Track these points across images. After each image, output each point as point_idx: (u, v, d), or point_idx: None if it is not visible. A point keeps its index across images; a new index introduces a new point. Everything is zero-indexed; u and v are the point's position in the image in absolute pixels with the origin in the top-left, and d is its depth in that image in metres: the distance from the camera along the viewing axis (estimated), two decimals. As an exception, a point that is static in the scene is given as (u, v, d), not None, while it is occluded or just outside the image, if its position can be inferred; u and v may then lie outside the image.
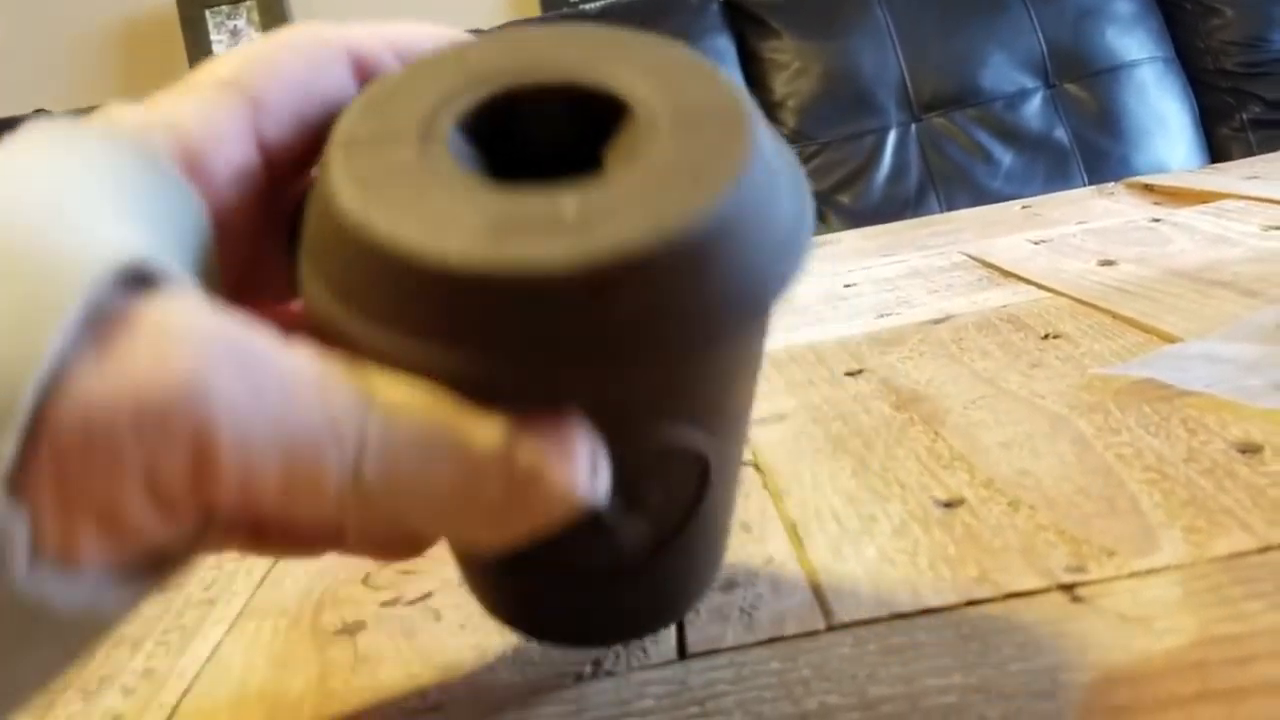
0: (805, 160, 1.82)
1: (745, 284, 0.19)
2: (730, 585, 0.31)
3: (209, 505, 0.18)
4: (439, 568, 0.36)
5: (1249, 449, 0.34)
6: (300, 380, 0.18)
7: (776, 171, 0.20)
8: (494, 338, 0.18)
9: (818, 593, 0.30)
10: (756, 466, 0.40)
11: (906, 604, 0.29)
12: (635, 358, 0.18)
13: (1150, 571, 0.28)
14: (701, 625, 0.29)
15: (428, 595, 0.34)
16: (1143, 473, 0.34)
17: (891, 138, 1.83)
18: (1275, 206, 0.69)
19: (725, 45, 1.85)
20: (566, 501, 0.19)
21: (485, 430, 0.19)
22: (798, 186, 0.21)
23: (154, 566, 0.20)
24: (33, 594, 0.17)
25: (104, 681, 0.32)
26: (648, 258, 0.18)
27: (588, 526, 0.20)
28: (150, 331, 0.17)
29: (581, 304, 0.17)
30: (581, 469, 0.19)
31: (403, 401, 0.18)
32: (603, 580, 0.26)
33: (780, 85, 1.84)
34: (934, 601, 0.29)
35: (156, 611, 0.37)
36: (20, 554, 0.16)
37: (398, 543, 0.22)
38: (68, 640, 0.19)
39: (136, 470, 0.17)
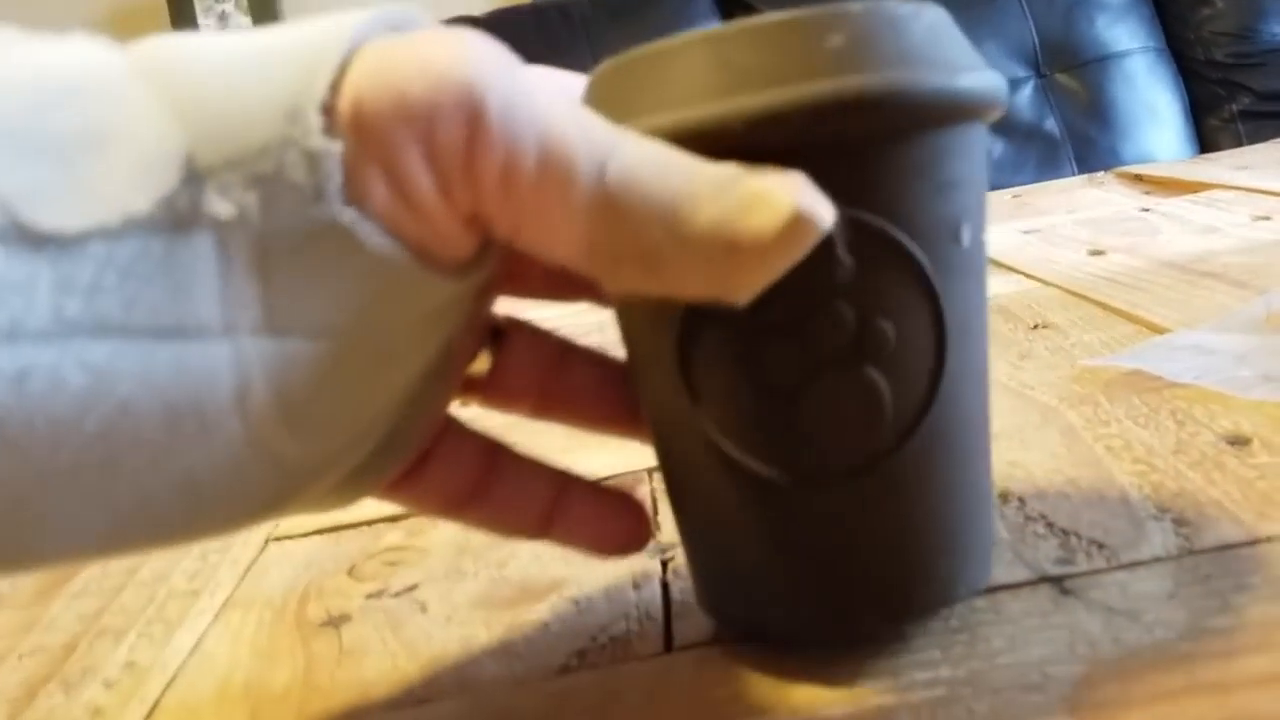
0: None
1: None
2: (718, 577, 0.31)
3: (477, 197, 0.20)
4: (425, 560, 0.36)
5: (1238, 441, 0.34)
6: (554, 94, 0.20)
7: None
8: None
9: (806, 585, 0.30)
10: (745, 457, 0.40)
11: (895, 596, 0.29)
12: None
13: (1139, 564, 0.28)
14: (689, 616, 0.29)
15: (413, 587, 0.34)
16: (1132, 464, 0.34)
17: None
18: (1264, 197, 0.69)
19: (716, 33, 1.84)
20: (792, 219, 0.19)
21: (716, 164, 0.21)
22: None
23: (448, 269, 0.22)
24: (344, 220, 0.19)
25: (86, 673, 0.32)
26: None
27: (838, 374, 0.23)
28: (432, 32, 0.20)
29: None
30: (806, 193, 0.20)
31: (647, 139, 0.21)
32: (847, 481, 0.24)
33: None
34: (922, 594, 0.28)
35: (139, 602, 0.36)
36: (335, 177, 0.19)
37: (634, 261, 0.21)
38: (367, 290, 0.21)
39: (419, 132, 0.19)
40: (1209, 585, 0.27)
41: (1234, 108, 1.93)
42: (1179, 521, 0.30)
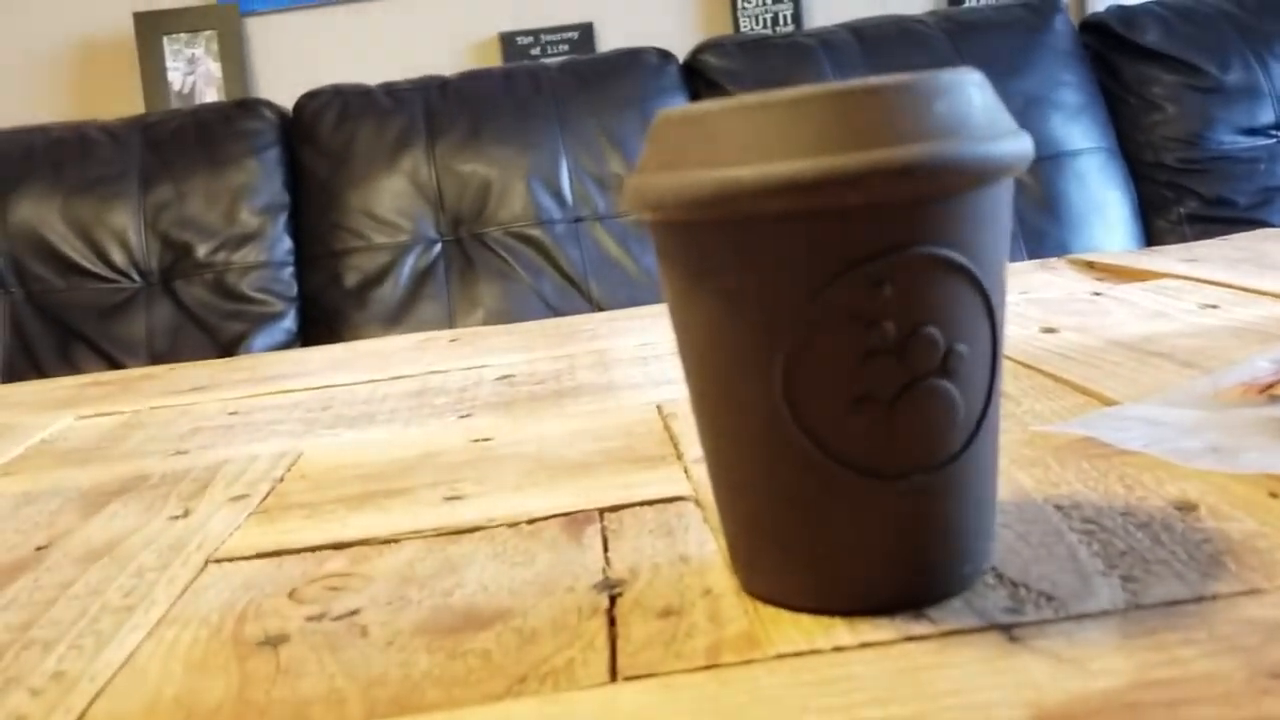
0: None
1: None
2: (667, 613, 0.31)
3: None
4: (369, 586, 0.35)
5: (1185, 506, 0.35)
6: None
7: None
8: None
9: (756, 624, 0.30)
10: (697, 502, 0.40)
11: (845, 638, 0.28)
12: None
13: (1086, 616, 0.28)
14: (634, 651, 0.29)
15: (355, 612, 0.33)
16: (1081, 524, 0.34)
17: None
18: (1211, 287, 0.70)
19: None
20: None
21: None
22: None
23: None
24: None
25: (10, 683, 0.31)
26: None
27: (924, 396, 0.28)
28: None
29: None
30: None
31: None
32: (922, 479, 0.29)
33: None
34: (872, 637, 0.28)
35: (71, 615, 0.35)
36: None
37: None
38: None
39: None
40: (1155, 638, 0.27)
41: (1182, 210, 1.98)
42: (1126, 578, 0.30)
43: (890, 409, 0.28)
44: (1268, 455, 0.37)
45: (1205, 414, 0.43)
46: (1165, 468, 0.38)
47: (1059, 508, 0.36)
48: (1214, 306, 0.64)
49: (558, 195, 1.83)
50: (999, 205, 0.29)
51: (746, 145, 0.27)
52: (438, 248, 1.81)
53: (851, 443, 0.28)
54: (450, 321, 1.76)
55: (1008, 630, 0.28)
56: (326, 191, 1.80)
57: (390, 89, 1.87)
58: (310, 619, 0.33)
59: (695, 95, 1.90)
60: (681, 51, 1.96)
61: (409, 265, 1.80)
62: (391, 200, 1.80)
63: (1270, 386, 0.42)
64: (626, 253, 1.81)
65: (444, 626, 0.32)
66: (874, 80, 0.27)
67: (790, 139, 0.27)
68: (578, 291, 1.80)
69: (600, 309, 1.74)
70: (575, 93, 1.86)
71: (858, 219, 0.27)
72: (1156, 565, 0.31)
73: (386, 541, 0.39)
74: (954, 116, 0.27)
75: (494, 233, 1.81)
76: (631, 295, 1.77)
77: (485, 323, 1.75)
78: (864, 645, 0.28)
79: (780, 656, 0.28)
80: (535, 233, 1.81)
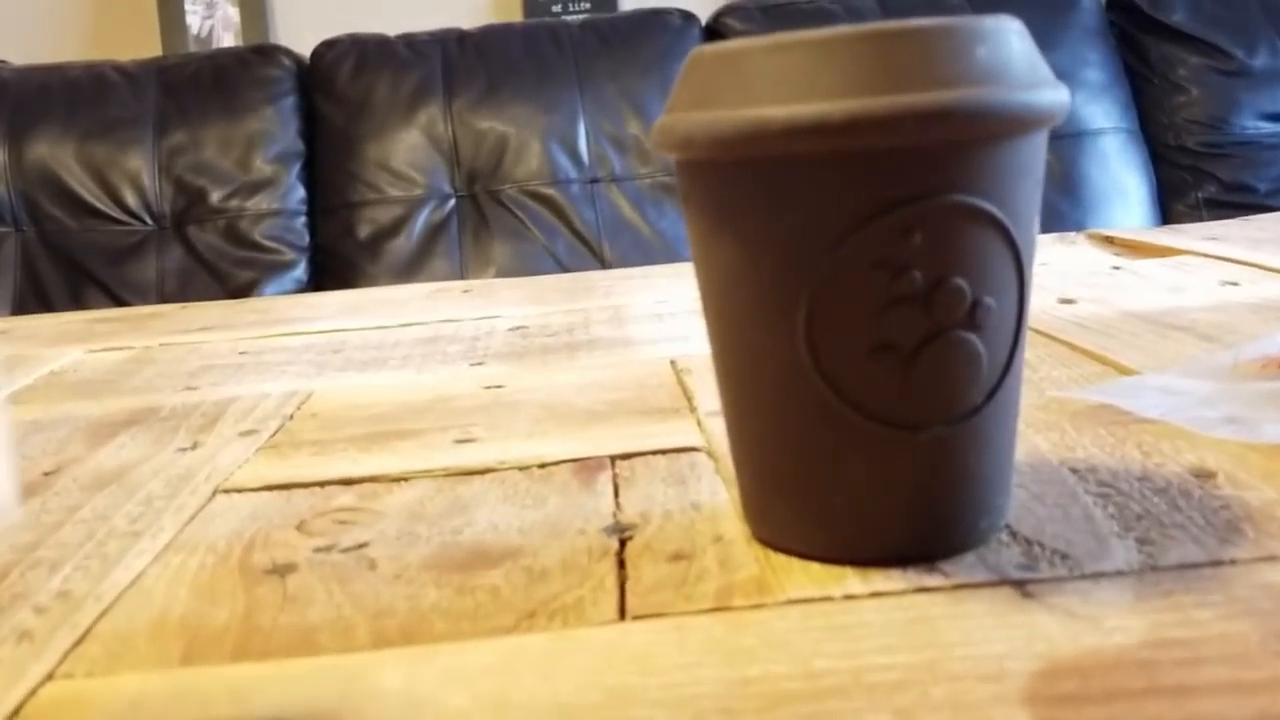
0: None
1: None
2: (677, 557, 0.31)
3: None
4: (378, 521, 0.35)
5: (1203, 474, 0.34)
6: None
7: None
8: None
9: (767, 570, 0.30)
10: (709, 453, 0.40)
11: (856, 587, 0.28)
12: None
13: (1101, 575, 0.28)
14: (644, 592, 0.29)
15: (363, 545, 0.33)
16: (1097, 487, 0.34)
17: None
18: (1232, 265, 0.70)
19: (702, 70, 1.85)
20: None
21: None
22: None
23: None
24: None
25: (16, 599, 0.31)
26: None
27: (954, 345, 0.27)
28: None
29: None
30: None
31: None
32: (943, 430, 0.28)
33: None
34: (883, 586, 0.28)
35: (78, 538, 0.35)
36: None
37: None
38: None
39: None
40: (1170, 600, 0.27)
41: (1200, 195, 1.97)
42: (1142, 540, 0.30)
43: (912, 359, 0.28)
44: (1288, 427, 0.37)
45: (1224, 386, 0.42)
46: (1183, 436, 0.38)
47: (1075, 471, 0.35)
48: (1234, 284, 0.64)
49: (574, 155, 1.82)
50: (1034, 157, 0.28)
51: (779, 84, 0.26)
52: (451, 203, 1.81)
53: (871, 392, 0.28)
54: (462, 277, 1.76)
55: (1021, 586, 0.28)
56: (342, 142, 1.80)
57: (409, 40, 1.85)
58: (318, 550, 0.33)
59: (716, 59, 1.88)
60: (704, 13, 1.94)
61: (422, 219, 1.79)
62: (407, 153, 1.80)
63: (1292, 360, 0.42)
64: (641, 215, 1.81)
65: (453, 562, 0.32)
66: (913, 22, 0.26)
67: (824, 79, 0.26)
68: (590, 252, 1.79)
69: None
70: (595, 52, 1.84)
71: (889, 163, 0.26)
72: (1173, 529, 0.30)
73: (396, 480, 0.39)
74: (994, 63, 0.27)
75: (509, 190, 1.81)
76: (645, 258, 1.76)
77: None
78: (875, 594, 0.28)
79: (791, 602, 0.28)
80: (550, 192, 1.80)
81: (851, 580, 0.29)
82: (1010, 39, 0.27)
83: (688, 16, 1.89)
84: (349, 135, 1.79)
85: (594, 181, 1.83)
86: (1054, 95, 0.27)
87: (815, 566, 0.29)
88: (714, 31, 1.90)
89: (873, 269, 0.27)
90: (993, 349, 0.28)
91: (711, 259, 0.29)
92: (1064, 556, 0.29)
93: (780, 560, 0.30)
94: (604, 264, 1.78)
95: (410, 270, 1.77)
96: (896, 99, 0.26)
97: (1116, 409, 0.41)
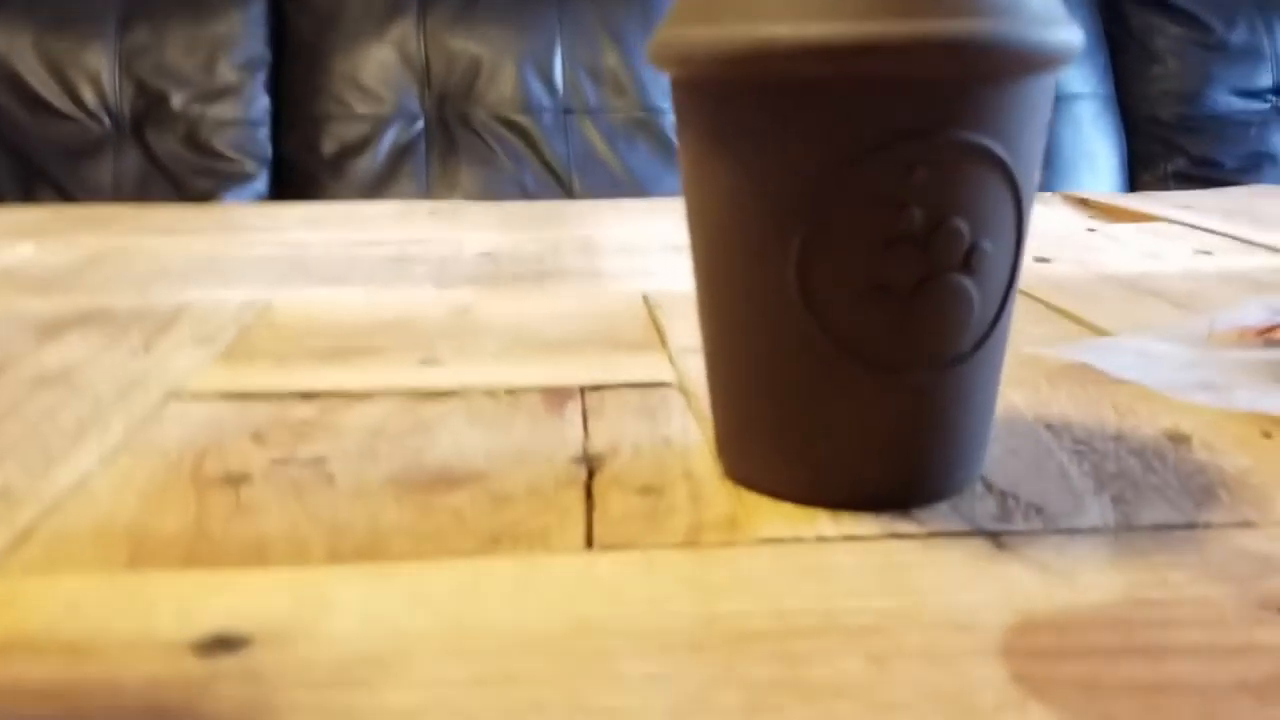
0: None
1: None
2: (647, 490, 0.30)
3: None
4: (337, 437, 0.34)
5: (1178, 438, 0.34)
6: None
7: None
8: None
9: (739, 508, 0.29)
10: (681, 389, 0.39)
11: (829, 529, 0.28)
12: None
13: (1076, 530, 0.28)
14: (611, 523, 0.28)
15: (322, 459, 0.32)
16: (1072, 444, 0.33)
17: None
18: (1206, 234, 0.70)
19: None
20: None
21: None
22: None
23: None
24: None
25: (-45, 494, 0.30)
26: None
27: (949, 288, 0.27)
28: None
29: None
30: None
31: None
32: (932, 375, 0.28)
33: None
34: (856, 530, 0.28)
35: (18, 434, 0.34)
36: None
37: None
38: None
39: None
40: (1146, 559, 0.26)
41: (1169, 167, 1.98)
42: (1117, 499, 0.29)
43: (907, 300, 0.27)
44: (1263, 395, 0.37)
45: (1199, 352, 0.42)
46: (1158, 399, 0.38)
47: (1049, 427, 0.35)
48: (1208, 253, 0.63)
49: (549, 83, 1.79)
50: (1044, 99, 0.27)
51: (787, 2, 0.25)
52: (420, 124, 1.77)
53: (861, 331, 0.27)
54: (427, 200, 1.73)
55: (995, 537, 0.27)
56: (310, 53, 1.75)
57: (385, -47, 1.80)
58: (275, 462, 0.32)
59: (697, -5, 1.85)
60: (688, -51, 1.90)
61: (389, 139, 1.76)
62: (377, 69, 1.76)
63: (1268, 331, 0.41)
64: (613, 150, 1.78)
65: (414, 482, 0.31)
66: None
67: (834, 1, 0.25)
68: (560, 185, 1.77)
69: (579, 204, 1.72)
70: (576, -22, 1.81)
71: (897, 94, 0.25)
72: (1148, 490, 0.30)
73: (358, 396, 0.38)
74: None
75: (479, 115, 1.78)
76: (615, 194, 1.74)
77: (461, 206, 1.72)
78: (848, 538, 0.27)
79: (762, 541, 0.27)
80: (522, 120, 1.77)
81: (824, 522, 0.28)
82: None
83: (672, -50, 1.86)
84: (318, 46, 1.75)
85: (567, 112, 1.80)
86: (1070, 34, 0.26)
87: (788, 507, 0.29)
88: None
89: (872, 204, 0.26)
90: (985, 296, 0.28)
91: (704, 183, 0.28)
92: (1038, 510, 0.29)
93: (752, 499, 0.29)
94: (573, 197, 1.76)
95: (374, 189, 1.74)
96: (912, 25, 0.24)
97: (1092, 368, 0.41)
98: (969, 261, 0.27)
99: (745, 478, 0.30)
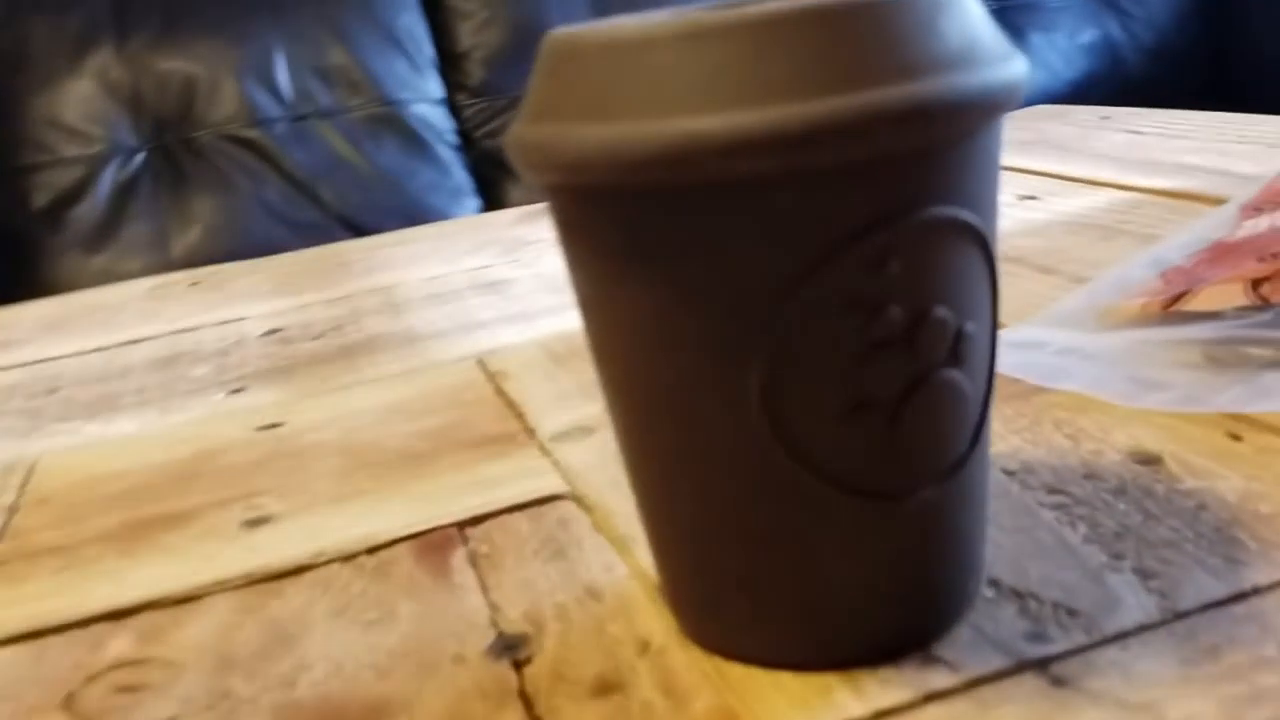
0: (494, 116, 1.73)
1: None
2: (603, 687, 0.24)
3: None
4: (177, 679, 0.26)
5: (1147, 460, 0.30)
6: None
7: None
8: None
9: (727, 693, 0.23)
10: (577, 500, 0.32)
11: (853, 706, 0.22)
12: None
13: (1125, 635, 0.23)
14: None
15: (167, 727, 0.24)
16: (1047, 495, 0.29)
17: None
18: (1017, 175, 0.68)
19: (405, -12, 1.72)
20: None
21: None
22: None
23: None
24: None
25: None
26: None
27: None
28: None
29: None
30: None
31: None
32: (929, 491, 0.22)
33: (466, 35, 1.73)
34: (884, 700, 0.22)
35: None
36: None
37: None
38: None
39: None
40: (1222, 662, 0.22)
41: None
42: (1142, 573, 0.25)
43: (895, 413, 0.21)
44: (1209, 390, 0.33)
45: (1107, 337, 0.38)
46: (1096, 405, 0.34)
47: (1009, 472, 0.31)
48: (1033, 198, 0.61)
49: (274, 92, 1.66)
50: (999, 144, 0.22)
51: (706, 86, 0.19)
52: (140, 157, 1.62)
53: (847, 459, 0.22)
54: (163, 241, 1.58)
55: (1044, 668, 0.23)
56: (0, 100, 1.57)
57: (63, -23, 1.63)
58: (103, 749, 0.24)
59: (422, -20, 1.75)
60: (397, -72, 1.79)
61: (108, 179, 1.60)
62: (79, 105, 1.59)
63: (1172, 302, 0.38)
64: (358, 151, 1.67)
65: (301, 740, 0.23)
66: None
67: (767, 77, 0.19)
68: (307, 198, 1.65)
69: (335, 216, 1.61)
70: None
71: (858, 179, 0.20)
72: (1165, 550, 0.26)
73: (182, 601, 0.30)
74: (963, 37, 0.21)
75: (204, 137, 1.63)
76: (368, 199, 1.64)
77: (204, 240, 1.58)
78: (879, 714, 0.22)
79: None
80: (252, 134, 1.64)
81: (841, 694, 0.22)
82: (967, 1, 0.21)
83: (382, -68, 1.75)
84: (8, 91, 1.57)
85: (300, 119, 1.68)
86: (1020, 66, 0.22)
87: (786, 678, 0.23)
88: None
89: (844, 312, 0.20)
90: (975, 382, 0.23)
91: (620, 309, 0.22)
92: (1070, 612, 0.24)
93: (738, 674, 0.24)
94: (324, 209, 1.64)
95: (101, 238, 1.58)
96: (864, 97, 0.19)
97: (1006, 377, 0.37)
98: (957, 352, 0.22)
99: (721, 645, 0.24)
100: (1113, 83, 1.89)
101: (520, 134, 0.21)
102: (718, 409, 0.21)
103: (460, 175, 1.73)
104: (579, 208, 0.21)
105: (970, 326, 0.22)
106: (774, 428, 0.21)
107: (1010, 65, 0.21)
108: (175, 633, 0.28)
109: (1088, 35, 1.92)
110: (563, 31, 0.21)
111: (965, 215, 0.21)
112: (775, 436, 0.21)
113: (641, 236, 0.21)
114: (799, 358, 0.21)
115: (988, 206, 0.22)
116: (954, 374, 0.22)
